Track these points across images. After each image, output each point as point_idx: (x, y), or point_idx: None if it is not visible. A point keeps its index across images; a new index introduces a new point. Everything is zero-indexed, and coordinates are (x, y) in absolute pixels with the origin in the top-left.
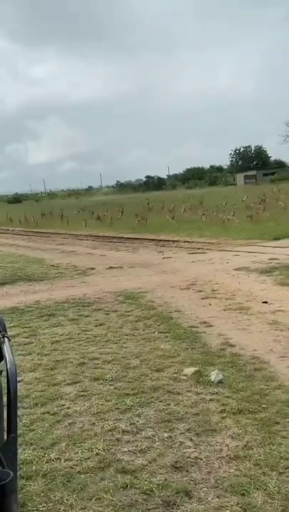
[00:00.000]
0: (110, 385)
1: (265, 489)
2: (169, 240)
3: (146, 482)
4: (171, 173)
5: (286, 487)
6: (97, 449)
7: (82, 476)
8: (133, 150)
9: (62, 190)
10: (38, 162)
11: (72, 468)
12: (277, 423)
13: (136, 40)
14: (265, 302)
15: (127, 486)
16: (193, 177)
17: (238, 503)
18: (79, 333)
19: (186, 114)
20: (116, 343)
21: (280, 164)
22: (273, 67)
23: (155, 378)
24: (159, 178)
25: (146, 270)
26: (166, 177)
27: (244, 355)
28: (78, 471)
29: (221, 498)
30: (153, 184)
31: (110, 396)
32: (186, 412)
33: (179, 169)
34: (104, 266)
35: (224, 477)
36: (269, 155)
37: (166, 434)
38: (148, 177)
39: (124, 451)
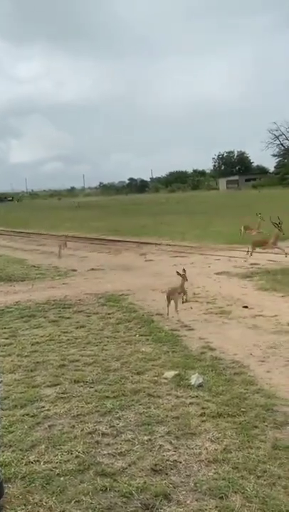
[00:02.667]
0: (90, 387)
1: (243, 492)
2: (151, 243)
3: (125, 485)
4: (154, 177)
5: (264, 491)
6: (76, 451)
7: (62, 478)
8: (117, 152)
9: (44, 191)
10: (20, 161)
11: (51, 470)
12: (256, 427)
13: (123, 43)
14: (246, 307)
15: (107, 488)
16: (176, 181)
17: (216, 507)
18: (59, 335)
19: (172, 118)
20: (97, 345)
21: (262, 170)
22: (258, 75)
23: (136, 381)
24: (142, 181)
25: (128, 272)
26: (149, 180)
27: (224, 359)
28: (57, 474)
29: (200, 501)
30: (136, 187)
31: (90, 398)
32: (166, 415)
33: (162, 173)
34: (86, 267)
35: (203, 480)
36: (252, 161)
37: (146, 437)
38: (131, 179)
39: (104, 454)
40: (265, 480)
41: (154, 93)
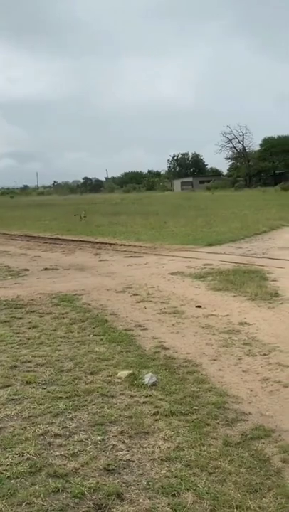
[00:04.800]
0: (43, 388)
1: (195, 489)
2: (105, 243)
3: (77, 486)
4: (109, 176)
5: (215, 487)
6: (28, 453)
7: (12, 481)
8: (72, 151)
9: None
10: None
11: (1, 473)
12: (208, 424)
13: (81, 41)
14: (199, 306)
15: (59, 490)
16: (132, 181)
17: (168, 504)
18: (11, 336)
19: (128, 119)
20: (50, 345)
21: (215, 172)
22: (213, 79)
23: (89, 381)
24: (97, 181)
25: (82, 272)
26: (104, 180)
27: (177, 358)
28: (8, 476)
29: (152, 499)
30: (91, 186)
31: (43, 399)
32: (120, 415)
33: (117, 173)
34: (39, 267)
35: (156, 478)
36: (206, 163)
37: (99, 437)
38: (86, 179)
39: (56, 455)
40: (216, 476)
41: (110, 92)
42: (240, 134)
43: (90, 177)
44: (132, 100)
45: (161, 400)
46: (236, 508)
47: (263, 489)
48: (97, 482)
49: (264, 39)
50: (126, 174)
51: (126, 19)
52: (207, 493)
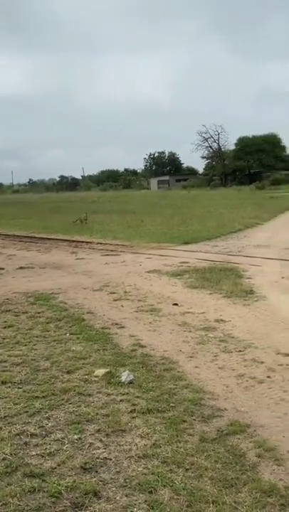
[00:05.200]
0: (19, 387)
1: (171, 486)
2: (82, 241)
3: (54, 485)
4: (85, 175)
5: (192, 483)
6: (3, 453)
7: None
8: (48, 149)
9: None
10: None
11: None
12: (185, 421)
13: (57, 38)
14: (176, 304)
15: (35, 489)
16: (108, 179)
17: (145, 501)
18: None
19: (105, 117)
20: (25, 345)
21: (191, 171)
22: (189, 78)
23: (66, 380)
24: (73, 179)
25: (59, 271)
26: (80, 178)
27: (154, 355)
28: None
29: (129, 496)
30: (67, 184)
31: (19, 399)
32: (97, 413)
33: (94, 171)
34: (15, 266)
35: (133, 476)
36: (182, 162)
37: (75, 436)
38: (62, 177)
39: (33, 455)
40: (192, 472)
41: (87, 90)
42: (216, 133)
43: (67, 175)
44: (109, 98)
45: (138, 397)
46: (212, 503)
47: (239, 484)
48: (74, 481)
49: (240, 39)
50: (103, 172)
51: (105, 17)
52: (184, 489)
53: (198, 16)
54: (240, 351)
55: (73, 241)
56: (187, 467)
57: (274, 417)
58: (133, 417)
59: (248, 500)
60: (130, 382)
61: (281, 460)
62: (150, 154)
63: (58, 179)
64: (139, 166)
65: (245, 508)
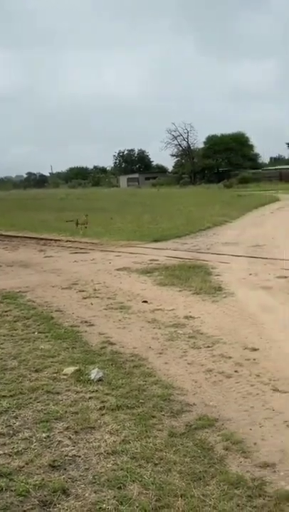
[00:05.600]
0: None
1: (140, 481)
2: (50, 239)
3: (22, 484)
4: (54, 172)
5: (160, 477)
6: None
7: None
8: (15, 146)
9: None
10: None
11: None
12: (154, 417)
13: (26, 32)
14: (145, 301)
15: (2, 489)
16: (77, 177)
17: (114, 497)
18: None
19: (73, 114)
20: None
21: (161, 169)
22: (160, 76)
23: (34, 379)
24: (42, 176)
25: (27, 269)
26: (48, 175)
27: (124, 352)
28: None
29: (98, 493)
30: (35, 181)
31: None
32: (66, 411)
33: (62, 168)
34: None
35: (102, 472)
36: (151, 159)
37: (44, 434)
38: (29, 174)
39: (0, 454)
40: (161, 467)
41: (54, 86)
42: (185, 131)
43: (34, 172)
44: (78, 95)
45: (107, 394)
46: (181, 497)
47: (207, 477)
48: (42, 479)
49: (211, 38)
50: (71, 169)
51: (72, 12)
52: (152, 483)
53: (170, 13)
54: (208, 347)
55: (41, 239)
56: (156, 462)
57: (241, 411)
58: (102, 414)
59: (216, 492)
60: (100, 380)
61: (248, 452)
62: (119, 152)
63: (25, 176)
64: (108, 163)
65: (213, 501)
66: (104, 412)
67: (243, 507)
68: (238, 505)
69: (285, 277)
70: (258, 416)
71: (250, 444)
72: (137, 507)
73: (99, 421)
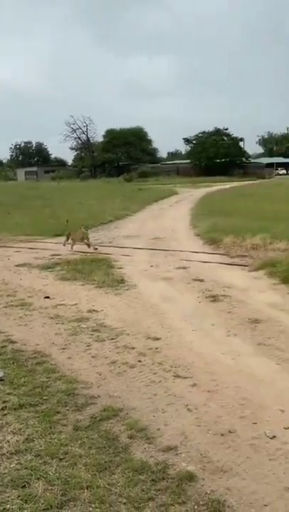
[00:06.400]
0: None
1: (45, 477)
2: None
3: None
4: None
5: (66, 472)
6: None
7: None
8: None
9: None
10: None
11: None
12: (58, 412)
13: None
14: (47, 297)
15: None
16: None
17: (18, 496)
18: None
19: None
20: None
21: (60, 162)
22: (57, 66)
23: None
24: None
25: None
26: None
27: (26, 350)
28: None
29: (2, 493)
30: None
31: None
32: None
33: None
34: None
35: (5, 473)
36: (50, 152)
37: None
38: None
39: None
40: (67, 461)
41: None
42: (84, 124)
43: None
44: None
45: (9, 394)
46: (87, 488)
47: (112, 466)
48: None
49: (107, 31)
50: None
51: None
52: (58, 478)
53: (62, 4)
54: (112, 339)
55: None
56: (61, 457)
57: (145, 399)
58: (4, 414)
59: (121, 480)
60: (0, 380)
61: (152, 438)
62: (16, 144)
63: None
64: (4, 155)
65: (119, 488)
66: (6, 412)
67: (148, 491)
68: (142, 490)
69: (184, 268)
70: (160, 402)
71: (153, 430)
72: (42, 504)
73: (1, 421)
